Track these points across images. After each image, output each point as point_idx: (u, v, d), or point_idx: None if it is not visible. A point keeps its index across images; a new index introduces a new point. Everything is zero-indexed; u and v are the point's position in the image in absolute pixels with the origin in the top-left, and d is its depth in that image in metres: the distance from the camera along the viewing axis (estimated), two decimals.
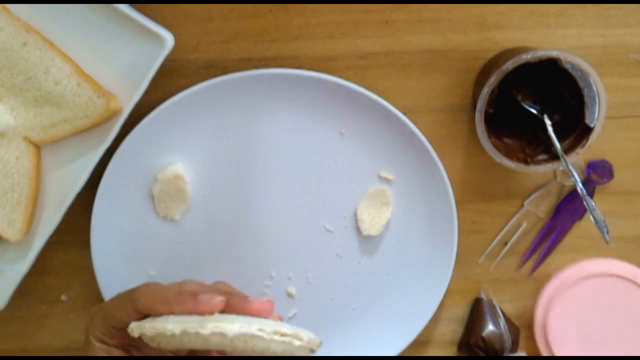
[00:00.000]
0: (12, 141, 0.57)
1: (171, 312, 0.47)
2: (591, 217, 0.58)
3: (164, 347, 0.46)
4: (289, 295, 0.64)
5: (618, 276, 0.65)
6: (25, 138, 0.57)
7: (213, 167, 0.62)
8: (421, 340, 0.65)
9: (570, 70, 0.55)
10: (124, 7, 0.55)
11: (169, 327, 0.45)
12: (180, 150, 0.62)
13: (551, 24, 0.60)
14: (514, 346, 0.66)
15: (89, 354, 0.49)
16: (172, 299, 0.47)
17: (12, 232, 0.58)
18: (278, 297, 0.63)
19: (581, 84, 0.55)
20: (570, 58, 0.54)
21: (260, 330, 0.45)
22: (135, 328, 0.47)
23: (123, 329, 0.48)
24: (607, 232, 0.58)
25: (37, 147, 0.58)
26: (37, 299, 0.66)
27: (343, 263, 0.64)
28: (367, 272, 0.65)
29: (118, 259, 0.62)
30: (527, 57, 0.54)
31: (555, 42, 0.61)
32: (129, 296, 0.49)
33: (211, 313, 0.46)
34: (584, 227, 0.66)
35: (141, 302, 0.48)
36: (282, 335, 0.45)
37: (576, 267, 0.66)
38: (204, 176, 0.62)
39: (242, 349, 0.45)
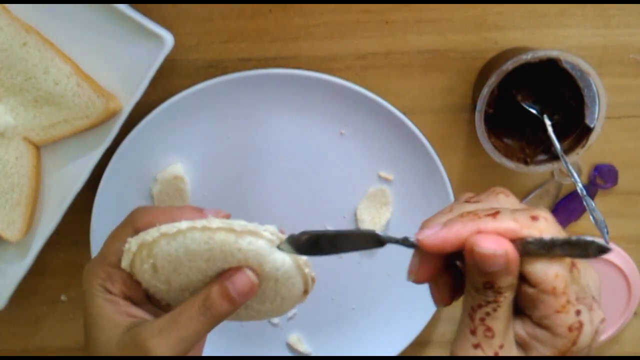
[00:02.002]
0: (11, 141, 0.57)
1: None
2: (591, 218, 0.57)
3: (159, 268, 0.43)
4: None
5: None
6: (25, 138, 0.57)
7: (213, 167, 0.62)
8: (421, 340, 0.65)
9: (570, 71, 0.55)
10: (123, 7, 0.55)
11: (175, 224, 0.42)
12: (180, 150, 0.62)
13: (551, 24, 0.60)
14: None
15: (92, 311, 0.45)
16: (175, 212, 0.45)
17: (12, 232, 0.58)
18: None
19: (581, 84, 0.55)
20: (570, 58, 0.54)
21: (266, 230, 0.42)
22: (134, 240, 0.43)
23: (123, 268, 0.45)
24: (607, 233, 0.58)
25: (37, 147, 0.58)
26: (37, 299, 0.66)
27: (343, 263, 0.64)
28: (366, 272, 0.65)
29: None
30: (527, 57, 0.54)
31: (555, 42, 0.61)
32: (126, 221, 0.46)
33: None
34: (580, 226, 0.66)
35: (142, 221, 0.45)
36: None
37: None
38: (204, 176, 0.62)
39: (245, 251, 0.41)
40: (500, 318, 0.36)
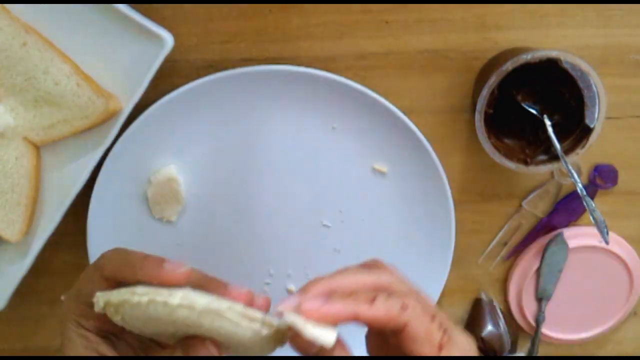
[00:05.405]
0: (11, 141, 0.57)
1: (136, 278, 0.44)
2: (591, 218, 0.58)
3: (128, 322, 0.43)
4: (289, 292, 0.65)
5: (584, 247, 0.66)
6: (25, 138, 0.57)
7: (206, 166, 0.62)
8: None
9: (570, 71, 0.55)
10: (123, 7, 0.55)
11: (138, 292, 0.42)
12: (173, 151, 0.61)
13: (551, 24, 0.60)
14: (514, 346, 0.66)
15: (65, 343, 0.46)
16: (137, 263, 0.45)
17: (12, 233, 0.58)
18: (278, 294, 0.64)
19: (581, 84, 0.55)
20: (570, 58, 0.54)
21: (230, 309, 0.41)
22: (101, 296, 0.43)
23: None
24: (607, 233, 0.58)
25: (37, 147, 0.58)
26: (37, 299, 0.66)
27: (341, 258, 0.64)
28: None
29: None
30: (527, 57, 0.54)
31: (555, 42, 0.61)
32: (95, 264, 0.46)
33: (177, 284, 0.43)
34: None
35: (107, 268, 0.45)
36: (252, 320, 0.42)
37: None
38: (198, 176, 0.62)
39: (207, 328, 0.42)
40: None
